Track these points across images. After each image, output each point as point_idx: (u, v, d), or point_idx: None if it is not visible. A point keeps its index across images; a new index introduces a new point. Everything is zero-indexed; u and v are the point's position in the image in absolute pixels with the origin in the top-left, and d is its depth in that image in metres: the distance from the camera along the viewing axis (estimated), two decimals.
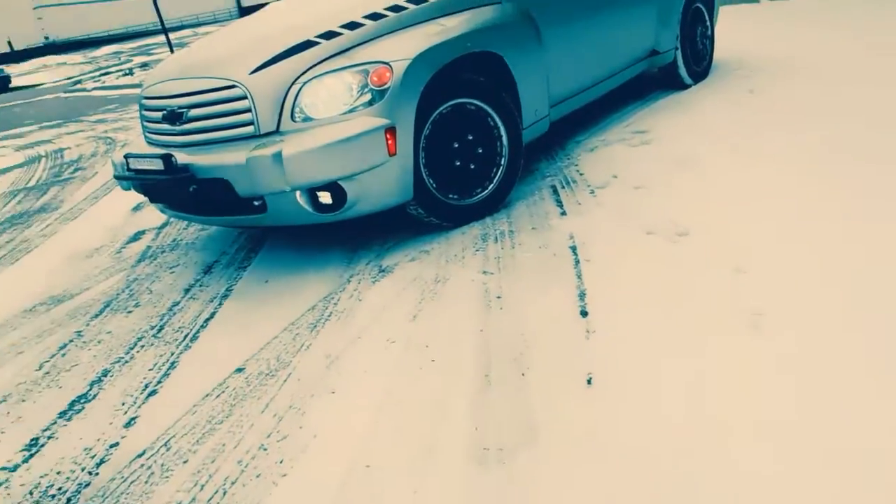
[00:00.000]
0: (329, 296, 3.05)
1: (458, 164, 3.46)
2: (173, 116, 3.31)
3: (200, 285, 3.48)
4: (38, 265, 4.37)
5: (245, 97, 3.12)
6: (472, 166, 3.51)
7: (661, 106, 5.19)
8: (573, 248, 3.04)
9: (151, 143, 3.58)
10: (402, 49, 3.19)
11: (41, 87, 25.82)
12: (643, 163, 3.99)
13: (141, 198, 5.50)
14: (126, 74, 20.12)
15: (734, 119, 4.52)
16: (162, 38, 16.30)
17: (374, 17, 3.32)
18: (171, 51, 14.19)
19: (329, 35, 3.22)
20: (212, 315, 3.12)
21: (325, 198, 3.15)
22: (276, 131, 3.12)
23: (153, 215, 4.90)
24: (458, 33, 3.39)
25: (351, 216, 3.23)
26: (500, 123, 3.56)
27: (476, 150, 3.51)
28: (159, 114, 3.43)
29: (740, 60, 6.21)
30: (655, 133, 4.52)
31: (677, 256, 2.80)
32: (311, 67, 3.14)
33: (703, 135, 4.32)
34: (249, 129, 3.14)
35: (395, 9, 3.38)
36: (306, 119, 3.11)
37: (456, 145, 3.44)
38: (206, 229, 4.41)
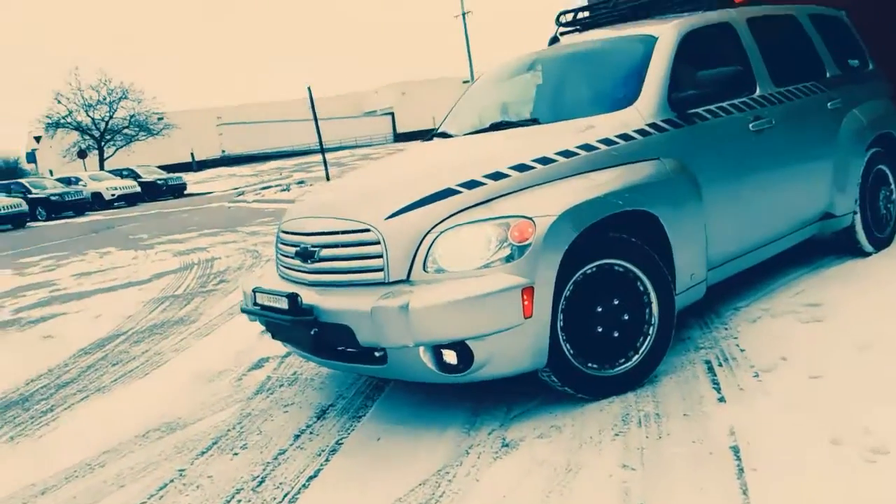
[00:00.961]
0: (444, 469, 2.73)
1: (601, 330, 3.13)
2: (306, 254, 3.23)
3: (311, 432, 3.27)
4: (163, 384, 4.37)
5: (378, 242, 2.99)
6: (616, 334, 3.16)
7: (834, 274, 4.64)
8: (735, 450, 2.57)
9: (283, 276, 3.52)
10: (547, 204, 2.97)
11: (211, 194, 28.08)
12: (818, 343, 3.47)
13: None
14: (283, 190, 21.48)
15: None
16: (320, 159, 17.46)
17: (521, 168, 3.14)
18: (326, 169, 14.99)
19: (471, 184, 3.06)
20: (316, 473, 2.88)
21: (450, 357, 2.89)
22: (407, 280, 2.95)
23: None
24: (609, 190, 3.14)
25: (476, 379, 2.94)
26: (650, 288, 3.22)
27: (622, 315, 3.17)
28: (293, 249, 3.37)
29: None
30: (830, 307, 3.98)
31: (878, 483, 2.27)
32: (449, 217, 2.98)
33: (889, 314, 3.75)
34: (379, 275, 2.99)
35: (544, 161, 3.19)
36: (439, 270, 2.92)
37: (599, 309, 3.12)
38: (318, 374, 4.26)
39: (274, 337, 3.46)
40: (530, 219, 2.90)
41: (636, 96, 3.58)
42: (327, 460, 2.98)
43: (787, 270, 4.86)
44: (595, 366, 3.13)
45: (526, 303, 2.82)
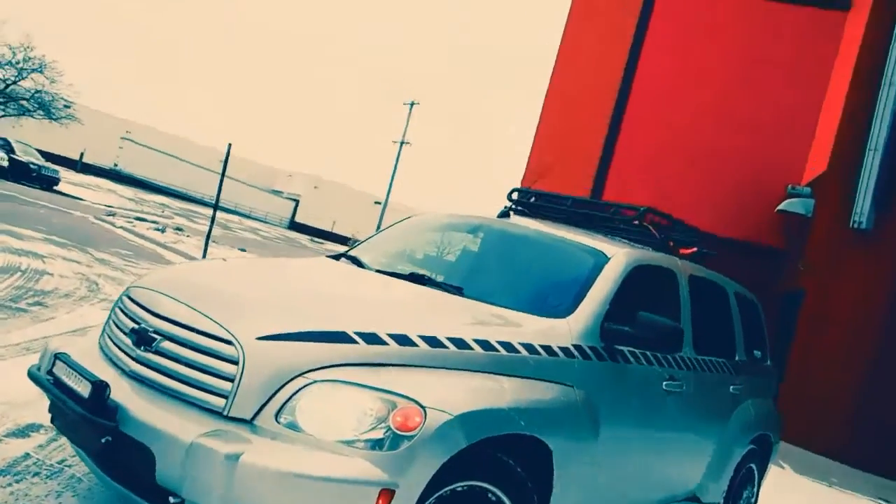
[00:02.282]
0: None
1: None
2: (143, 337, 2.54)
3: None
4: None
5: (235, 363, 2.35)
6: None
7: None
8: None
9: (102, 349, 2.79)
10: (446, 396, 2.45)
11: (81, 201, 25.99)
12: None
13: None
14: (158, 230, 20.02)
15: None
16: (211, 211, 16.36)
17: (432, 342, 2.62)
18: (211, 227, 13.98)
19: (371, 339, 2.51)
20: None
21: None
22: (249, 422, 2.31)
23: None
24: (516, 404, 2.66)
25: None
26: None
27: None
28: (130, 323, 2.67)
29: None
30: None
31: None
32: (330, 367, 2.40)
33: None
34: (219, 402, 2.33)
35: (459, 343, 2.68)
36: (292, 426, 2.30)
37: None
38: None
39: (53, 422, 2.67)
40: (422, 407, 2.35)
41: (571, 310, 3.21)
42: None
43: None
44: None
45: None
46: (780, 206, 12.52)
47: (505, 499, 2.64)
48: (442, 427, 2.35)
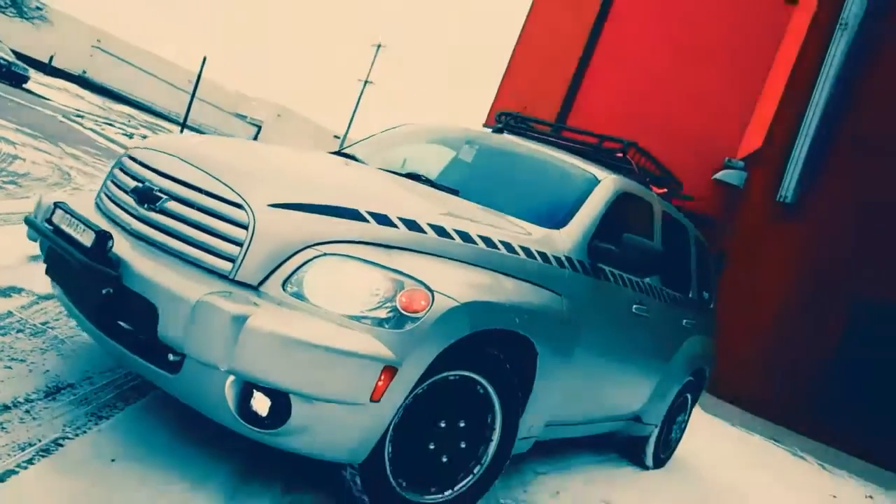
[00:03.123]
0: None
1: (432, 447, 2.42)
2: (147, 195, 2.28)
3: (27, 412, 2.21)
4: None
5: (245, 227, 2.13)
6: (445, 459, 2.46)
7: (620, 475, 4.29)
8: None
9: (100, 209, 2.51)
10: (452, 284, 2.28)
11: (49, 102, 24.52)
12: None
13: None
14: (126, 135, 19.06)
15: None
16: (177, 129, 15.53)
17: (440, 231, 2.44)
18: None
19: (383, 220, 2.31)
20: (3, 476, 1.84)
21: (260, 405, 2.04)
22: (255, 288, 2.10)
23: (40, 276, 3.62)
24: (513, 302, 2.53)
25: (274, 444, 2.09)
26: (498, 424, 2.59)
27: (460, 442, 2.49)
28: (132, 182, 2.40)
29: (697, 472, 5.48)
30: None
31: None
32: (341, 242, 2.19)
33: None
34: (226, 266, 2.11)
35: (464, 237, 2.51)
36: (298, 296, 2.10)
37: (442, 424, 2.42)
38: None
39: (48, 272, 2.40)
40: (430, 291, 2.19)
41: (563, 224, 3.07)
42: (31, 462, 1.95)
43: (580, 454, 4.47)
44: (404, 484, 2.39)
45: (381, 383, 2.07)
46: (717, 175, 12.66)
47: (492, 392, 2.54)
48: (447, 313, 2.19)
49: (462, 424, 2.47)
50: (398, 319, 2.12)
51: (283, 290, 2.10)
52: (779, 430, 9.49)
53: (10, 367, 2.46)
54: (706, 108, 13.92)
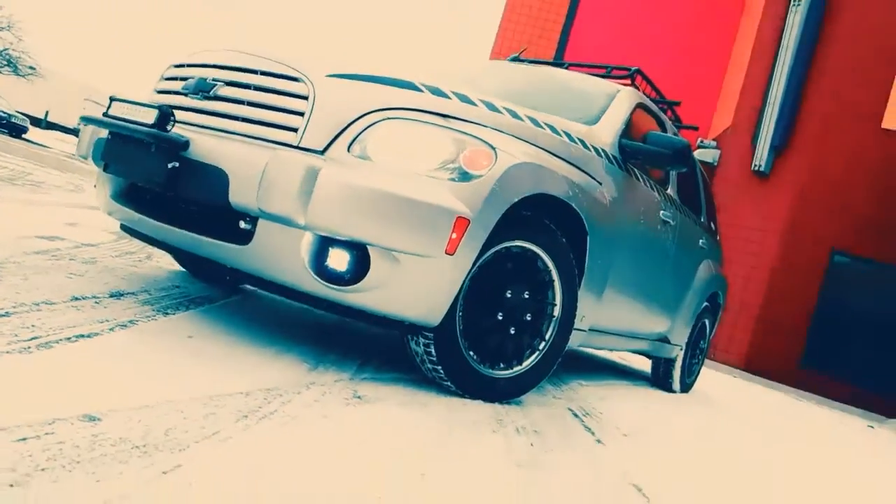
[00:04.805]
0: (276, 390, 1.69)
1: (501, 318, 2.30)
2: (200, 87, 2.16)
3: (97, 302, 2.07)
4: None
5: (306, 97, 2.02)
6: (513, 331, 2.35)
7: (657, 398, 4.18)
8: (636, 487, 1.79)
9: None
10: (511, 148, 2.19)
11: (49, 148, 24.24)
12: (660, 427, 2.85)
13: (81, 217, 4.12)
14: None
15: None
16: None
17: (490, 106, 2.36)
18: None
19: (437, 92, 2.22)
20: (90, 334, 1.71)
21: (338, 261, 1.91)
22: (321, 153, 1.98)
23: (82, 234, 3.48)
24: (565, 175, 2.43)
25: (351, 304, 1.96)
26: (558, 299, 2.47)
27: (525, 314, 2.37)
28: (179, 84, 2.29)
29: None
30: (659, 420, 3.44)
31: None
32: (401, 108, 2.09)
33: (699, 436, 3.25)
34: (290, 136, 1.99)
35: (513, 113, 2.43)
36: (363, 157, 1.99)
37: (508, 294, 2.31)
38: (139, 264, 3.01)
39: (107, 169, 2.24)
40: (493, 148, 2.09)
41: (595, 122, 2.99)
42: (111, 330, 1.81)
43: (615, 376, 4.36)
44: (476, 357, 2.27)
45: (454, 236, 1.95)
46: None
47: (552, 266, 2.42)
48: (510, 169, 2.09)
49: (526, 296, 2.36)
50: (464, 175, 2.02)
51: (349, 152, 1.99)
52: (769, 384, 9.42)
53: (70, 278, 2.32)
54: (674, 89, 13.98)
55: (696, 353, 4.87)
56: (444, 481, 1.41)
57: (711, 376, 7.70)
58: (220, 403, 1.47)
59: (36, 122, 39.04)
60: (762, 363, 10.00)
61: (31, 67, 35.84)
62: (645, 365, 5.40)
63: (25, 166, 8.68)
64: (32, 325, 1.63)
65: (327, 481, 1.25)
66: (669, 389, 4.59)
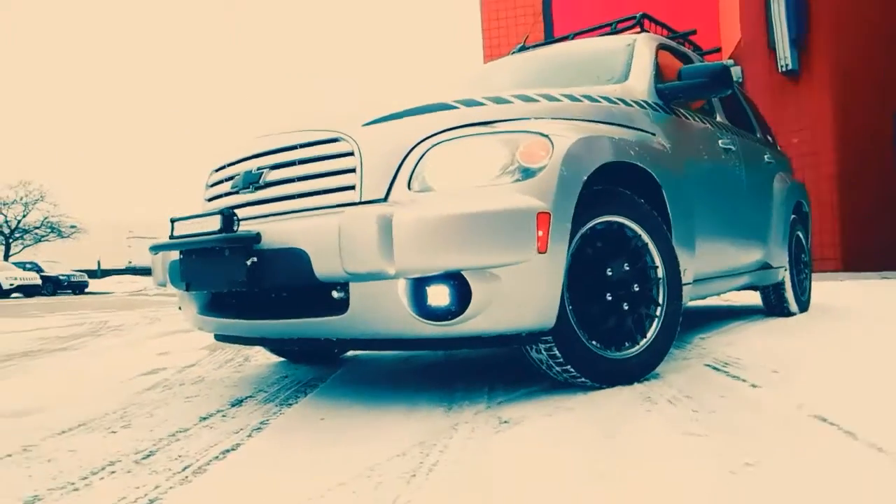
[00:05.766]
0: (427, 442, 1.65)
1: (610, 299, 2.22)
2: (247, 180, 2.19)
3: (223, 416, 2.08)
4: (29, 382, 3.00)
5: (351, 153, 2.01)
6: (626, 306, 2.26)
7: (773, 324, 3.98)
8: (819, 418, 1.67)
9: None
10: (560, 130, 2.13)
11: (111, 294, 25.34)
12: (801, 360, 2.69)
13: (169, 344, 4.22)
14: None
15: None
16: None
17: (524, 98, 2.31)
18: None
19: (470, 103, 2.19)
20: (235, 447, 1.71)
21: (438, 297, 1.88)
22: (384, 199, 1.96)
23: (179, 358, 3.56)
24: (620, 136, 2.36)
25: (462, 335, 1.92)
26: (658, 261, 2.37)
27: (632, 286, 2.28)
28: (227, 184, 2.32)
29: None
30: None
31: None
32: (443, 131, 2.06)
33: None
34: (350, 195, 1.99)
35: (548, 98, 2.38)
36: (425, 189, 1.96)
37: (609, 273, 2.23)
38: (241, 367, 3.05)
39: (187, 280, 2.26)
40: (546, 136, 2.04)
41: (626, 79, 2.90)
42: (249, 436, 1.82)
43: (731, 319, 4.18)
44: (599, 345, 2.19)
45: (541, 232, 1.90)
46: None
47: (640, 230, 2.33)
48: (569, 150, 2.03)
49: (626, 267, 2.27)
50: (527, 172, 1.97)
51: (410, 189, 1.97)
52: (877, 276, 8.93)
53: (190, 401, 2.35)
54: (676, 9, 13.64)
55: (801, 268, 4.64)
56: (648, 472, 1.33)
57: (820, 287, 7.35)
58: (383, 471, 1.43)
59: (92, 273, 40.96)
60: (860, 259, 9.49)
61: (71, 226, 37.74)
62: (750, 298, 5.19)
63: (100, 316, 9.04)
64: (179, 456, 1.64)
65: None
66: (788, 313, 4.37)
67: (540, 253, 1.90)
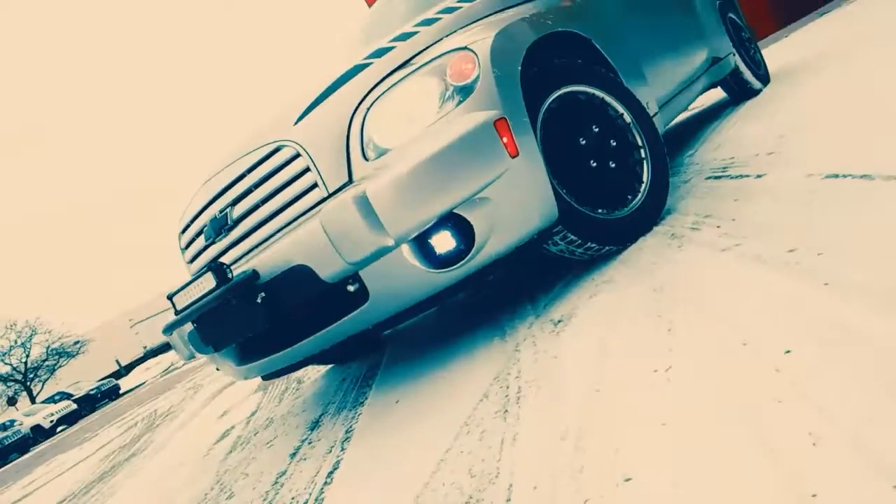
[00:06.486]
0: (501, 374, 1.69)
1: (595, 164, 2.21)
2: (216, 227, 2.16)
3: (309, 443, 2.12)
4: (122, 500, 3.05)
5: (298, 155, 1.97)
6: (613, 164, 2.26)
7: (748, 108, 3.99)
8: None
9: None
10: (475, 35, 2.07)
11: (144, 384, 25.46)
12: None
13: (223, 403, 4.26)
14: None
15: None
16: None
17: (426, 22, 2.25)
18: None
19: (379, 53, 2.13)
20: (335, 465, 1.75)
21: (443, 242, 1.87)
22: (349, 182, 1.93)
23: (239, 411, 3.60)
24: (532, 12, 2.30)
25: (483, 265, 1.92)
26: (621, 108, 2.35)
27: (608, 143, 2.27)
28: (201, 238, 2.29)
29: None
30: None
31: None
32: (369, 91, 2.01)
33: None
34: (317, 192, 1.96)
35: (448, 10, 2.31)
36: (382, 152, 1.93)
37: (583, 142, 2.22)
38: (299, 391, 3.09)
39: (211, 344, 2.26)
40: (465, 48, 1.98)
41: None
42: (342, 449, 1.85)
43: (700, 130, 4.19)
44: (604, 211, 2.19)
45: (505, 139, 1.87)
46: None
47: (589, 89, 2.30)
48: (493, 48, 1.98)
49: (596, 129, 2.26)
50: (464, 89, 1.93)
51: (367, 160, 1.93)
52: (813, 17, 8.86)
53: (271, 446, 2.39)
54: None
55: (747, 46, 4.62)
56: (707, 304, 1.36)
57: (771, 54, 7.33)
58: (478, 420, 1.47)
59: (117, 374, 41.05)
60: (792, 8, 9.41)
61: (76, 342, 37.53)
62: (713, 96, 5.20)
63: (146, 409, 9.11)
64: (293, 498, 1.68)
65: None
66: (754, 92, 4.38)
67: (514, 157, 1.88)
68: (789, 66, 4.90)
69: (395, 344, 2.94)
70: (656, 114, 2.75)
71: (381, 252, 1.81)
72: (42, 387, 35.26)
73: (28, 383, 34.53)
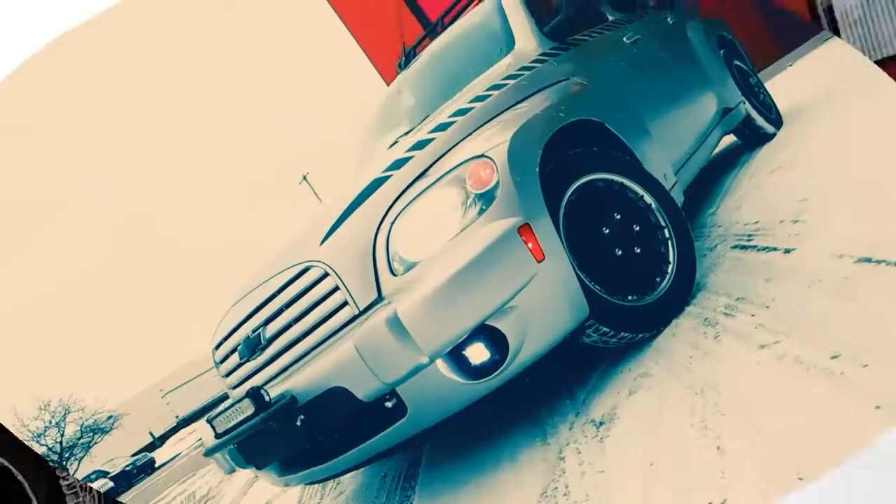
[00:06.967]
0: (550, 487, 1.67)
1: (620, 253, 2.23)
2: (249, 347, 2.19)
3: None
4: None
5: (327, 275, 2.01)
6: (637, 250, 2.27)
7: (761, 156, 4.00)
8: None
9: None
10: (490, 139, 2.12)
11: (179, 457, 25.43)
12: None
13: (263, 492, 4.24)
14: None
15: None
16: None
17: (440, 127, 2.31)
18: None
19: (397, 164, 2.18)
20: None
21: (478, 353, 1.89)
22: (379, 297, 1.97)
23: (286, 497, 3.58)
24: (544, 107, 2.34)
25: (518, 371, 1.93)
26: (640, 190, 2.37)
27: (631, 228, 2.29)
28: (234, 357, 2.32)
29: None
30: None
31: None
32: (391, 206, 2.06)
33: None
34: (347, 310, 1.99)
35: (461, 112, 2.37)
36: (410, 266, 1.97)
37: (606, 231, 2.23)
38: (340, 486, 3.07)
39: (259, 467, 2.29)
40: (483, 156, 2.03)
41: (513, 44, 2.89)
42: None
43: (719, 181, 4.19)
44: (634, 297, 2.20)
45: (530, 244, 1.90)
46: None
47: (609, 175, 2.33)
48: (510, 152, 2.03)
49: (617, 216, 2.28)
50: (485, 196, 1.96)
51: (395, 276, 1.97)
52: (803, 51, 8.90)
53: None
54: None
55: (755, 90, 4.64)
56: (756, 412, 1.35)
57: (775, 88, 7.35)
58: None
59: (150, 446, 41.05)
60: (774, 46, 9.45)
61: (109, 418, 37.69)
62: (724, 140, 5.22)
63: (182, 491, 9.07)
64: None
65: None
66: (768, 137, 4.38)
67: (540, 261, 1.90)
68: (800, 104, 4.91)
69: (433, 436, 2.92)
70: (675, 184, 2.76)
71: (417, 370, 1.82)
72: (78, 465, 35.30)
73: (64, 465, 34.64)
